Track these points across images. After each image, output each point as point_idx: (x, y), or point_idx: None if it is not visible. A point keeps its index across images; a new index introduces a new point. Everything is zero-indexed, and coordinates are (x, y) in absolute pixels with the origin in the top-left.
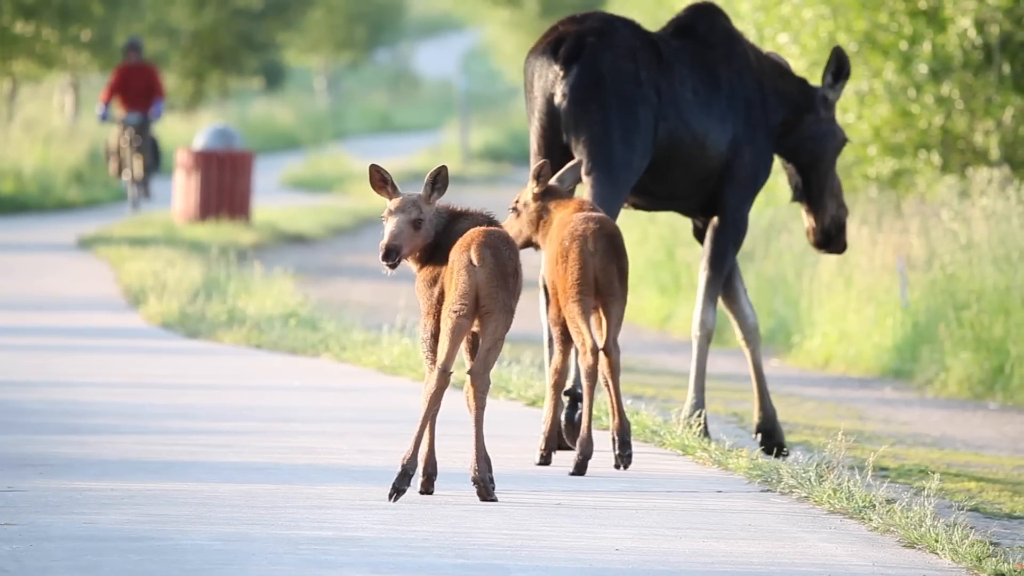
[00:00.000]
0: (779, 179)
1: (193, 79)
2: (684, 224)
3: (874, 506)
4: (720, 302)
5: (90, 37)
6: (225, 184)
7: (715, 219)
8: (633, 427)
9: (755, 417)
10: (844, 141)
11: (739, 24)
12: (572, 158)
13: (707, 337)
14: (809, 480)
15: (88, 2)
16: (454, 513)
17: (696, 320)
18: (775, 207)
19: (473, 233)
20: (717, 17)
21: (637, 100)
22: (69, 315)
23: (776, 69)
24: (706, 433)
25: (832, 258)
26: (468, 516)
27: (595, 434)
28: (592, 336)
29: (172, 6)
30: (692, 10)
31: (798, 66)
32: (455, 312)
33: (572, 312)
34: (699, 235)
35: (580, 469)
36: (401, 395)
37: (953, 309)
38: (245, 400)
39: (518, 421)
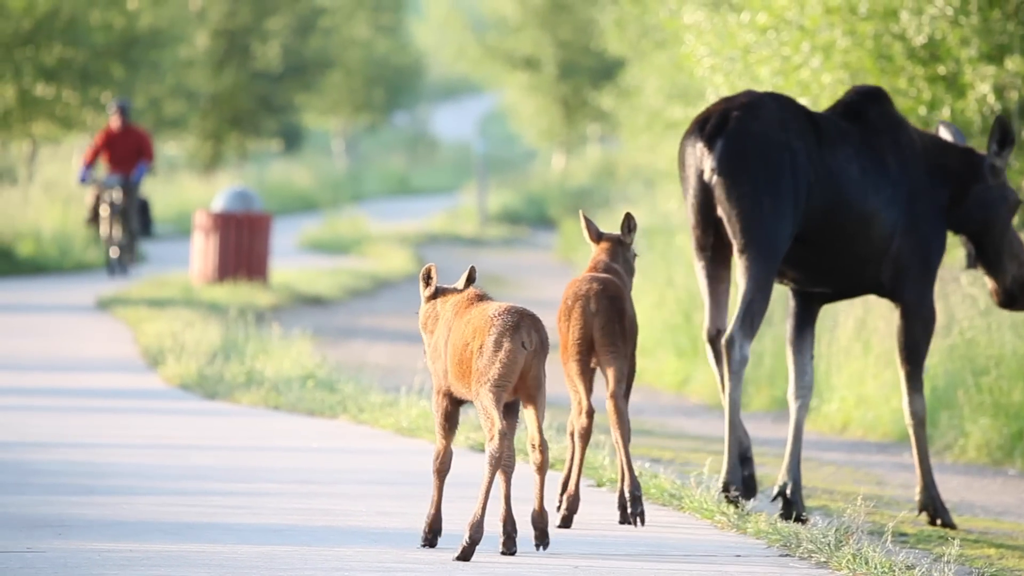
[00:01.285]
0: None
1: (212, 141)
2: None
3: (894, 572)
4: (787, 346)
5: (110, 99)
6: (243, 246)
7: (899, 316)
8: (652, 490)
9: (780, 477)
10: (1018, 203)
11: (757, 88)
12: (726, 232)
13: (921, 424)
14: (828, 545)
15: (108, 65)
16: (472, 575)
17: (907, 412)
18: None
19: (519, 313)
20: (885, 103)
21: (785, 166)
22: (87, 376)
23: (938, 146)
24: (946, 523)
25: (851, 322)
26: None
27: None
28: (588, 397)
29: (192, 68)
30: (861, 95)
31: None
32: (500, 387)
33: (571, 371)
34: (795, 293)
35: (566, 523)
36: (419, 457)
37: (972, 375)
38: (263, 461)
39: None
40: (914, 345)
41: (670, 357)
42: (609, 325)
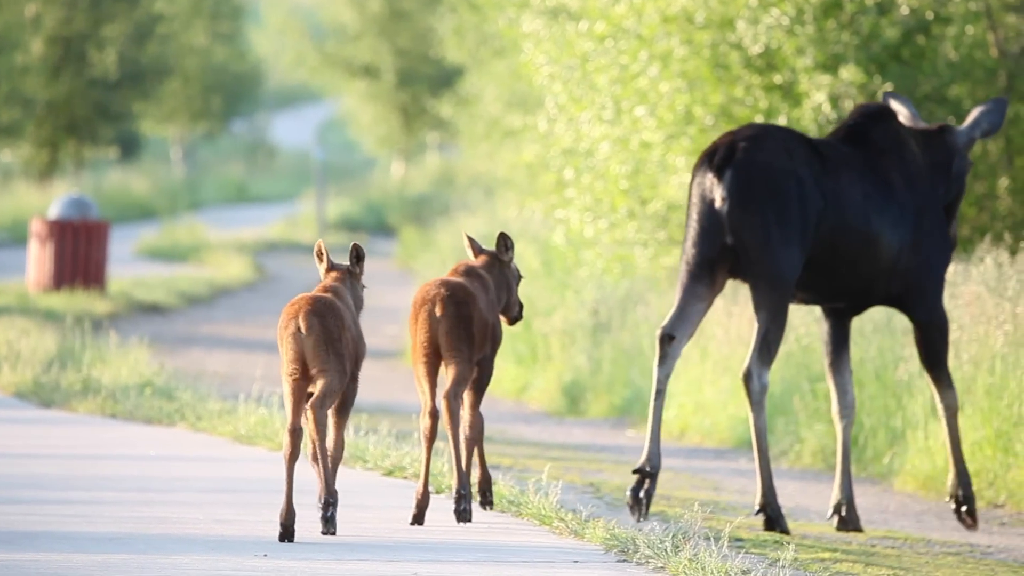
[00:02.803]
0: (633, 250)
1: (48, 148)
2: (540, 295)
3: None
4: (826, 370)
5: None
6: (80, 253)
7: (915, 327)
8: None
9: (833, 496)
10: (971, 164)
11: (597, 97)
12: (730, 257)
13: (954, 415)
14: (665, 551)
15: None
16: None
17: (940, 406)
18: (631, 278)
19: (299, 300)
20: (889, 121)
21: (792, 194)
22: None
23: (932, 144)
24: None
25: None
26: None
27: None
28: (432, 399)
29: (27, 75)
30: (864, 116)
31: (655, 138)
32: (290, 375)
33: (418, 373)
34: (825, 313)
35: (418, 520)
36: (257, 464)
37: (808, 381)
38: (100, 470)
39: (374, 491)
40: (935, 355)
41: (509, 364)
42: (454, 330)
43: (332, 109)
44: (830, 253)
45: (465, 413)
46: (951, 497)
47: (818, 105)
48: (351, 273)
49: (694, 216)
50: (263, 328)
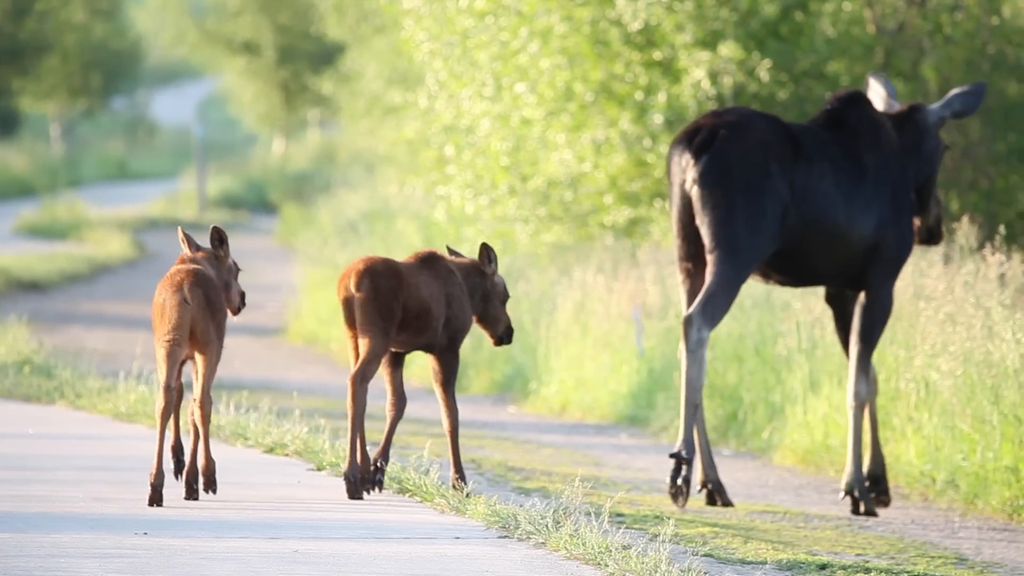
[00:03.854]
0: (514, 226)
1: None
2: None
3: (610, 551)
4: (847, 355)
5: None
6: None
7: (862, 296)
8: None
9: (854, 467)
10: (946, 148)
11: (477, 73)
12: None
13: (861, 408)
14: (546, 526)
15: None
16: (191, 561)
17: (850, 392)
18: (512, 255)
19: (183, 271)
20: (864, 106)
21: (764, 189)
22: None
23: (906, 128)
24: (868, 511)
25: (569, 305)
26: (204, 564)
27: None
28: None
29: None
30: (843, 101)
31: (535, 115)
32: (168, 341)
33: (348, 347)
34: (830, 298)
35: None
36: (137, 442)
37: None
38: None
39: (256, 468)
40: (870, 326)
41: None
42: (368, 303)
43: (213, 86)
44: (801, 242)
45: (441, 409)
46: (846, 493)
47: (697, 81)
48: (216, 257)
49: (673, 199)
50: (143, 305)
